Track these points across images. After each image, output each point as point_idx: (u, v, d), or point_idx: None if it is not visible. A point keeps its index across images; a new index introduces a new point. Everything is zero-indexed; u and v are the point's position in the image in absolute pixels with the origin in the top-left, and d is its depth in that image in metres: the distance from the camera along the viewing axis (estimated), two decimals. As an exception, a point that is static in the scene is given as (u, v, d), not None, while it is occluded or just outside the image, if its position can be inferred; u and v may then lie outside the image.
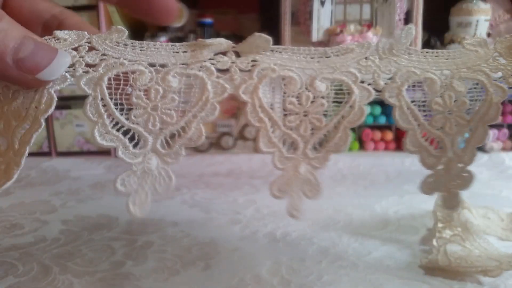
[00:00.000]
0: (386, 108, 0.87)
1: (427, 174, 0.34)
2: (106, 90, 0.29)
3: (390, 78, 0.32)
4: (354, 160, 0.80)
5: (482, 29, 0.88)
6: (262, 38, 0.30)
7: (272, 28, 0.91)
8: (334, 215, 0.54)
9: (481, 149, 0.84)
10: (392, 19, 0.84)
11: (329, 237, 0.47)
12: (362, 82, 0.32)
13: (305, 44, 0.87)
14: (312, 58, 0.32)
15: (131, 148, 0.30)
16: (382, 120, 0.87)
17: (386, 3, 0.85)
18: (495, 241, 0.44)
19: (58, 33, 0.29)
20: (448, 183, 0.34)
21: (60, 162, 0.81)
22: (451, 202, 0.34)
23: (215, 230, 0.50)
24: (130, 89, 0.30)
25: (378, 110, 0.86)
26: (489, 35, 0.91)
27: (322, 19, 0.85)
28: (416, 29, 0.85)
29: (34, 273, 0.40)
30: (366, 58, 0.32)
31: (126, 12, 0.35)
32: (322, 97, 0.31)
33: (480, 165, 0.76)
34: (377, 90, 0.31)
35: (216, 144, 0.86)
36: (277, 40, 0.88)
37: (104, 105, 0.29)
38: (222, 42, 0.31)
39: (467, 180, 0.34)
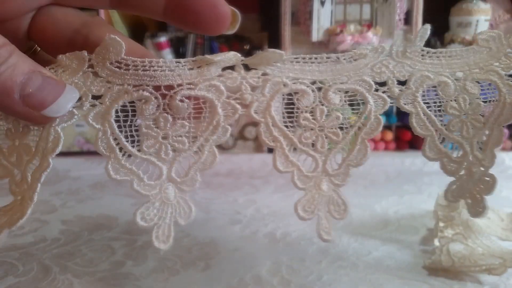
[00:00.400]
0: (386, 108, 0.87)
1: (450, 182, 0.33)
2: (114, 124, 0.28)
3: (403, 83, 0.31)
4: (354, 160, 0.80)
5: (482, 29, 0.88)
6: (276, 54, 0.28)
7: (272, 28, 0.91)
8: (334, 215, 0.54)
9: (481, 149, 0.85)
10: (392, 19, 0.84)
11: (329, 237, 0.47)
12: (377, 90, 0.30)
13: (305, 44, 0.87)
14: (324, 66, 0.30)
15: (146, 179, 0.29)
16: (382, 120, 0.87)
17: (386, 3, 0.85)
18: (493, 239, 0.44)
19: (60, 58, 0.27)
20: (472, 188, 0.33)
21: (60, 162, 0.81)
22: (476, 209, 0.33)
23: (215, 230, 0.50)
24: (139, 121, 0.28)
25: (378, 110, 0.86)
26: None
27: (322, 19, 0.85)
28: (416, 29, 0.85)
29: (34, 273, 0.40)
30: (380, 63, 0.31)
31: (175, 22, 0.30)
32: (337, 110, 0.30)
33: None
34: (391, 97, 0.31)
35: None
36: (277, 40, 0.88)
37: (115, 139, 0.28)
38: (231, 57, 0.28)
39: (490, 184, 0.33)
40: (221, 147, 0.85)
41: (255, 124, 0.94)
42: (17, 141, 0.28)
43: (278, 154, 0.30)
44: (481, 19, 0.87)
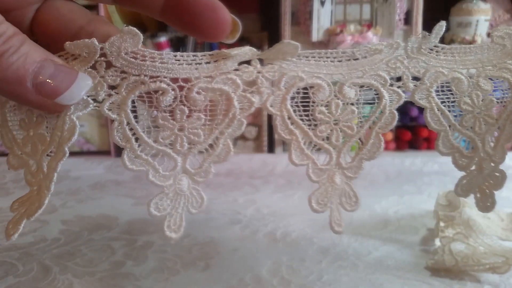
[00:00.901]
0: (386, 108, 0.87)
1: (461, 176, 0.34)
2: (131, 114, 0.28)
3: (418, 79, 0.31)
4: (354, 160, 0.80)
5: (482, 29, 0.88)
6: (291, 45, 0.29)
7: (272, 28, 0.91)
8: (334, 215, 0.54)
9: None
10: (392, 19, 0.84)
11: (329, 237, 0.47)
12: (392, 85, 0.31)
13: (305, 44, 0.87)
14: (339, 61, 0.30)
15: (161, 170, 0.29)
16: (382, 120, 0.87)
17: (386, 3, 0.85)
18: (493, 237, 0.44)
19: (69, 46, 0.26)
20: (482, 183, 0.33)
21: (60, 162, 0.81)
22: (485, 204, 0.33)
23: (215, 230, 0.50)
24: (155, 112, 0.28)
25: (378, 110, 0.86)
26: (489, 35, 0.91)
27: (322, 19, 0.85)
28: (416, 29, 0.86)
29: (34, 273, 0.40)
30: (395, 58, 0.31)
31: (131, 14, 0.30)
32: (352, 104, 0.31)
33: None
34: (406, 92, 0.31)
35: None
36: (277, 40, 0.87)
37: (131, 129, 0.28)
38: (247, 52, 0.29)
39: (500, 179, 0.33)
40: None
41: (255, 124, 0.94)
42: (32, 131, 0.28)
43: (293, 147, 0.31)
44: (481, 19, 0.87)
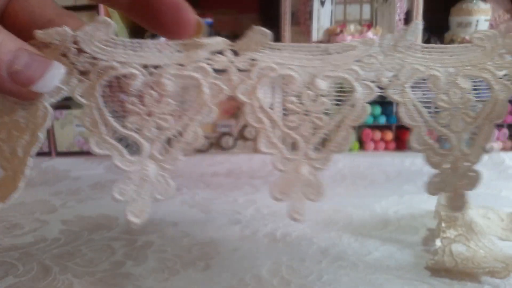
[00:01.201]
0: (386, 108, 0.87)
1: (433, 174, 0.34)
2: (100, 99, 0.28)
3: (393, 76, 0.31)
4: (354, 160, 0.80)
5: (482, 29, 0.88)
6: (261, 32, 0.29)
7: (272, 28, 0.90)
8: (334, 215, 0.54)
9: (481, 149, 0.84)
10: (392, 19, 0.84)
11: (329, 237, 0.47)
12: (365, 79, 0.31)
13: (305, 44, 0.87)
14: (313, 55, 0.31)
15: (127, 155, 0.30)
16: (382, 120, 0.87)
17: (386, 3, 0.85)
18: (495, 241, 0.44)
19: (39, 34, 0.27)
20: (455, 183, 0.33)
21: (60, 162, 0.81)
22: (457, 203, 0.34)
23: (215, 230, 0.50)
24: (123, 96, 0.29)
25: (378, 110, 0.86)
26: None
27: (322, 19, 0.85)
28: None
29: (34, 273, 0.40)
30: (369, 55, 0.31)
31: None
32: (323, 96, 0.31)
33: (480, 165, 0.76)
34: (380, 88, 0.31)
35: (216, 144, 0.86)
36: (277, 40, 0.87)
37: (99, 114, 0.29)
38: (219, 42, 0.29)
39: (474, 179, 0.33)
40: (221, 147, 0.85)
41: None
42: (6, 118, 0.29)
43: (261, 135, 0.31)
44: (481, 19, 0.87)
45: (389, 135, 0.87)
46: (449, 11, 0.90)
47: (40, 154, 0.85)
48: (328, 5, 0.85)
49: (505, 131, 0.85)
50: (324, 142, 0.32)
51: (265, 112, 0.31)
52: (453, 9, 0.90)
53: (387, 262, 0.42)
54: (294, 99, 0.31)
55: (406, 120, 0.32)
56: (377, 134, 0.87)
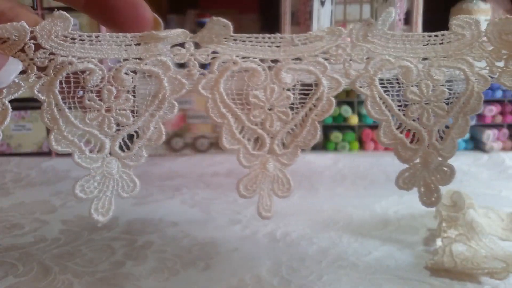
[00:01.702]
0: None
1: (403, 169, 0.32)
2: (59, 95, 0.28)
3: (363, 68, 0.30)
4: (354, 160, 0.80)
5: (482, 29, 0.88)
6: (220, 24, 0.28)
7: (272, 28, 0.91)
8: (334, 215, 0.54)
9: (481, 149, 0.85)
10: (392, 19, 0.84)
11: (329, 237, 0.47)
12: (331, 72, 0.30)
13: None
14: (277, 47, 0.30)
15: (87, 152, 0.29)
16: (382, 120, 0.87)
17: (386, 3, 0.85)
18: (496, 241, 0.44)
19: None
20: (427, 177, 0.32)
21: (60, 162, 0.81)
22: (429, 199, 0.32)
23: (215, 230, 0.50)
24: (81, 92, 0.28)
25: (378, 110, 0.86)
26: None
27: (322, 19, 0.85)
28: (416, 29, 0.85)
29: (34, 273, 0.40)
30: (337, 46, 0.30)
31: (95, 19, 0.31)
32: (288, 90, 0.30)
33: (480, 165, 0.76)
34: (347, 79, 0.30)
35: (216, 144, 0.85)
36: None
37: (59, 110, 0.28)
38: (179, 34, 0.28)
39: (448, 175, 0.32)
40: (221, 147, 0.85)
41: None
42: None
43: (225, 131, 0.30)
44: (481, 19, 0.87)
45: (389, 135, 0.87)
46: (449, 11, 0.90)
47: (40, 154, 0.86)
48: (328, 5, 0.85)
49: (505, 131, 0.85)
50: (290, 138, 0.31)
51: (228, 106, 0.30)
52: (453, 9, 0.90)
53: (387, 262, 0.42)
54: (257, 93, 0.30)
55: (373, 114, 0.30)
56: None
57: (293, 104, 0.30)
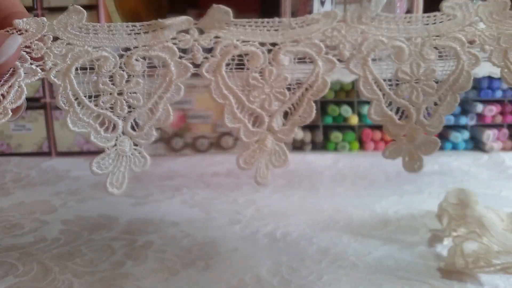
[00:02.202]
0: (386, 108, 0.87)
1: (389, 143, 0.34)
2: (74, 80, 0.31)
3: (356, 49, 0.32)
4: (354, 160, 0.80)
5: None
6: (221, 10, 0.31)
7: (272, 28, 0.90)
8: (334, 215, 0.54)
9: (481, 149, 0.85)
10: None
11: (329, 237, 0.47)
12: (327, 53, 0.32)
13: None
14: (276, 30, 0.32)
15: (102, 132, 0.32)
16: (382, 120, 0.87)
17: (386, 3, 0.85)
18: (507, 235, 0.44)
19: (17, 22, 0.30)
20: (412, 150, 0.34)
21: (60, 162, 0.81)
22: (412, 166, 0.34)
23: (215, 230, 0.50)
24: (95, 77, 0.31)
25: (378, 110, 0.86)
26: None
27: (322, 19, 0.85)
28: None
29: (34, 273, 0.40)
30: (332, 28, 0.31)
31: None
32: (286, 71, 0.32)
33: (480, 165, 0.76)
34: (342, 61, 0.32)
35: (216, 144, 0.86)
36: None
37: (73, 94, 0.31)
38: (184, 21, 0.31)
39: (432, 146, 0.34)
40: (221, 147, 0.85)
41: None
42: None
43: (227, 111, 0.33)
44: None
45: (389, 135, 0.87)
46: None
47: (40, 154, 0.85)
48: (328, 5, 0.85)
49: (505, 131, 0.85)
50: (287, 115, 0.33)
51: (229, 88, 0.32)
52: (453, 9, 0.90)
53: (387, 262, 0.42)
54: (257, 75, 0.32)
55: (364, 93, 0.32)
56: (377, 134, 0.87)
57: (290, 84, 0.33)
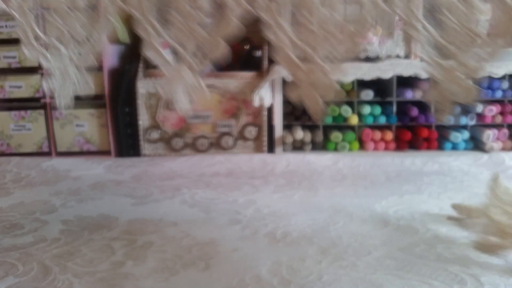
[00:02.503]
0: (386, 108, 0.87)
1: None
2: (30, 15, 0.37)
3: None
4: (354, 160, 0.80)
5: (482, 29, 0.88)
6: None
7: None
8: (334, 215, 0.54)
9: (481, 149, 0.85)
10: (392, 19, 0.84)
11: (329, 237, 0.47)
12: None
13: (305, 44, 0.87)
14: None
15: (50, 57, 0.38)
16: (382, 120, 0.87)
17: (386, 3, 0.85)
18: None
19: None
20: (313, 91, 0.38)
21: (60, 162, 0.81)
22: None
23: (215, 230, 0.50)
24: (41, 10, 0.37)
25: (378, 110, 0.86)
26: (489, 35, 0.91)
27: (322, 19, 0.85)
28: (416, 29, 0.86)
29: (34, 273, 0.40)
30: None
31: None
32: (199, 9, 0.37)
33: (480, 165, 0.76)
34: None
35: (216, 144, 0.86)
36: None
37: (29, 26, 0.37)
38: None
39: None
40: (221, 147, 0.85)
41: (255, 124, 0.94)
42: None
43: (146, 41, 0.38)
44: (480, 19, 0.87)
45: (389, 135, 0.87)
46: (449, 11, 0.91)
47: (40, 154, 0.86)
48: (328, 5, 0.85)
49: (505, 131, 0.85)
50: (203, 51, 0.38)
51: (153, 26, 0.37)
52: (453, 9, 0.90)
53: (387, 262, 0.42)
54: (178, 15, 0.37)
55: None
56: (377, 134, 0.87)
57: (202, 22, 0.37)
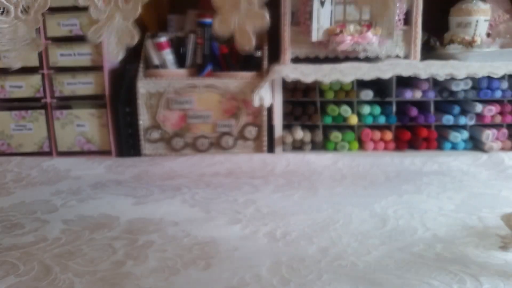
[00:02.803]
0: (385, 108, 0.87)
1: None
2: None
3: None
4: (354, 160, 0.81)
5: (482, 29, 0.88)
6: None
7: (272, 28, 0.91)
8: (334, 215, 0.54)
9: (481, 148, 0.85)
10: (391, 19, 0.85)
11: (329, 237, 0.47)
12: None
13: (305, 44, 0.87)
14: None
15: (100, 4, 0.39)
16: (382, 120, 0.87)
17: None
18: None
19: None
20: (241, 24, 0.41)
21: (60, 161, 0.81)
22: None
23: (215, 230, 0.50)
24: None
25: (377, 110, 0.86)
26: (488, 35, 0.91)
27: (322, 19, 0.85)
28: (416, 29, 0.86)
29: (35, 272, 0.40)
30: None
31: None
32: None
33: (479, 165, 0.76)
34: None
35: (216, 144, 0.86)
36: (277, 40, 0.88)
37: None
38: None
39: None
40: (221, 147, 0.85)
41: (255, 124, 0.94)
42: None
43: None
44: (480, 19, 0.87)
45: (389, 135, 0.87)
46: (449, 11, 0.90)
47: (41, 153, 0.86)
48: (328, 5, 0.85)
49: (505, 131, 0.85)
50: None
51: None
52: (453, 9, 0.90)
53: (387, 262, 0.42)
54: None
55: None
56: (377, 134, 0.87)
57: None
